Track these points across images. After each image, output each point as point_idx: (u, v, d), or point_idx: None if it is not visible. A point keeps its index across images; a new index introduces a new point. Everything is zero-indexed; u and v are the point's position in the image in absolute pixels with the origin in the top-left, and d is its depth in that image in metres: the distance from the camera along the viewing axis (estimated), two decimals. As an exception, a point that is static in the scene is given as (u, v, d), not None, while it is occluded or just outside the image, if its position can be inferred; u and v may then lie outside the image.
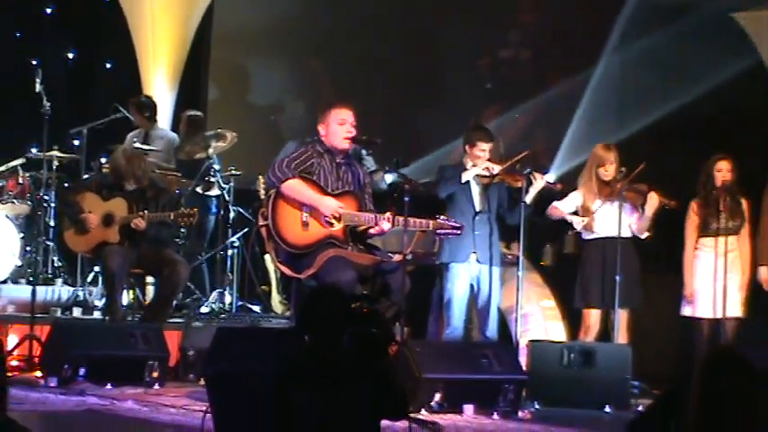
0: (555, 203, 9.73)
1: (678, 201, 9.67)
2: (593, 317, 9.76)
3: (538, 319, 10.62)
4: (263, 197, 8.87)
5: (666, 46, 12.27)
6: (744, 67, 11.96)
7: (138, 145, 11.31)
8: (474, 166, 9.34)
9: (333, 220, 8.25)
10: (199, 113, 12.61)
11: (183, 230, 10.97)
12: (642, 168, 9.52)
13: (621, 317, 9.55)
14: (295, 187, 8.28)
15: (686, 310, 9.78)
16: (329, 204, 8.23)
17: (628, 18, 12.83)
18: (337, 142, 8.46)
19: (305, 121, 12.73)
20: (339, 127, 8.44)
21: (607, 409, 8.42)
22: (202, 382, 7.69)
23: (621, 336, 9.49)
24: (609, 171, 9.67)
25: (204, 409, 6.56)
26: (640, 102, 12.51)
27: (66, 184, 11.67)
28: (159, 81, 12.95)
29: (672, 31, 12.11)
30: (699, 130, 11.52)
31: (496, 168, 9.31)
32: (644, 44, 12.33)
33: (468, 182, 9.32)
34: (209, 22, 13.52)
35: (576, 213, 9.78)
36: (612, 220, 9.58)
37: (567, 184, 10.01)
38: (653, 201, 9.58)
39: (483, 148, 9.37)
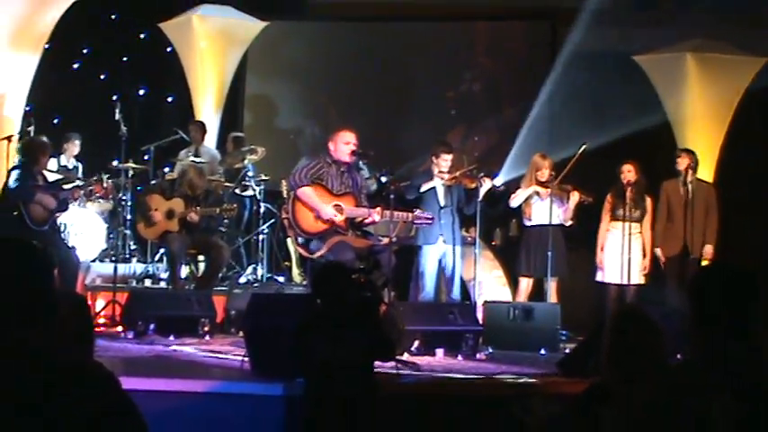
0: (513, 196, 9.80)
1: (594, 196, 9.70)
2: (527, 283, 9.81)
3: (490, 285, 10.63)
4: (285, 196, 8.87)
5: (588, 85, 12.20)
6: (646, 103, 11.92)
7: (192, 158, 11.30)
8: (440, 172, 9.36)
9: (337, 216, 8.30)
10: (241, 134, 12.64)
11: (226, 221, 10.97)
12: (568, 171, 9.55)
13: (553, 284, 9.59)
14: (306, 193, 8.38)
15: (598, 276, 9.81)
16: (327, 211, 8.30)
17: (559, 62, 12.83)
18: (342, 157, 8.52)
19: (316, 140, 12.72)
20: (344, 146, 8.51)
21: (542, 351, 8.41)
22: (241, 334, 7.69)
23: (553, 297, 9.51)
24: (544, 174, 9.71)
25: (243, 354, 6.58)
26: (567, 130, 12.45)
27: (138, 188, 11.67)
28: (207, 110, 12.91)
29: (593, 73, 12.03)
30: (613, 145, 11.47)
31: (445, 176, 9.33)
32: (571, 83, 12.24)
33: (433, 186, 9.36)
34: (244, 67, 13.50)
35: (520, 206, 9.85)
36: (545, 212, 9.61)
37: (510, 186, 10.06)
38: (574, 197, 9.63)
39: (445, 159, 9.41)
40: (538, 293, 9.75)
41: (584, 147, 9.60)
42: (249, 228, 11.70)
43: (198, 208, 9.78)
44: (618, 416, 3.66)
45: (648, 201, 9.75)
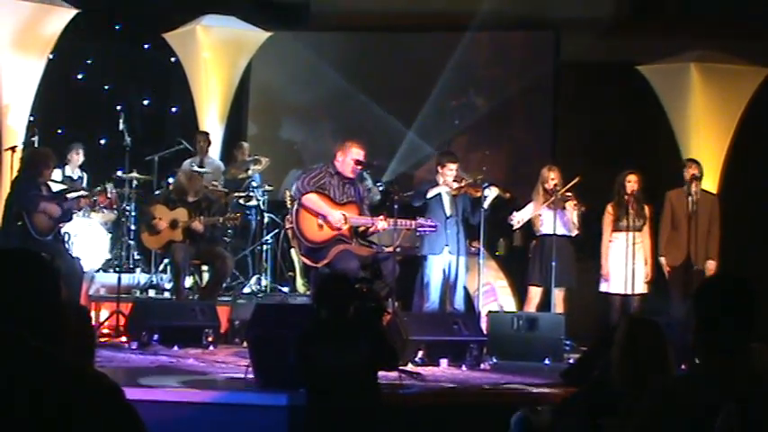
0: (515, 213, 9.74)
1: (590, 206, 9.68)
2: (537, 292, 9.78)
3: (494, 295, 10.61)
4: (289, 206, 8.87)
5: (590, 96, 12.21)
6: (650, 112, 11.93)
7: (195, 168, 11.32)
8: (445, 182, 9.36)
9: (341, 225, 8.30)
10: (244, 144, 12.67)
11: (230, 231, 10.97)
12: (575, 182, 9.53)
13: (559, 293, 9.57)
14: (312, 200, 8.34)
15: (603, 287, 9.78)
16: (336, 216, 8.28)
17: (558, 74, 12.86)
18: (346, 172, 8.50)
19: (318, 151, 12.71)
20: (351, 161, 8.47)
21: (546, 361, 8.40)
22: (245, 344, 7.68)
23: (559, 307, 9.50)
24: (551, 185, 9.70)
25: (246, 364, 6.58)
26: (573, 140, 12.45)
27: (142, 198, 11.68)
28: (211, 121, 12.91)
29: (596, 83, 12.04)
30: (617, 155, 11.46)
31: (455, 184, 9.33)
32: (571, 93, 12.25)
33: (439, 194, 9.34)
34: (248, 77, 13.51)
35: (530, 219, 9.82)
36: (551, 222, 9.60)
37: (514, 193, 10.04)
38: (569, 207, 9.63)
39: (451, 168, 9.40)
40: (544, 303, 9.73)
41: (574, 182, 9.54)
42: (253, 238, 11.70)
43: (201, 217, 9.81)
44: (624, 426, 3.65)
45: (647, 209, 9.75)
